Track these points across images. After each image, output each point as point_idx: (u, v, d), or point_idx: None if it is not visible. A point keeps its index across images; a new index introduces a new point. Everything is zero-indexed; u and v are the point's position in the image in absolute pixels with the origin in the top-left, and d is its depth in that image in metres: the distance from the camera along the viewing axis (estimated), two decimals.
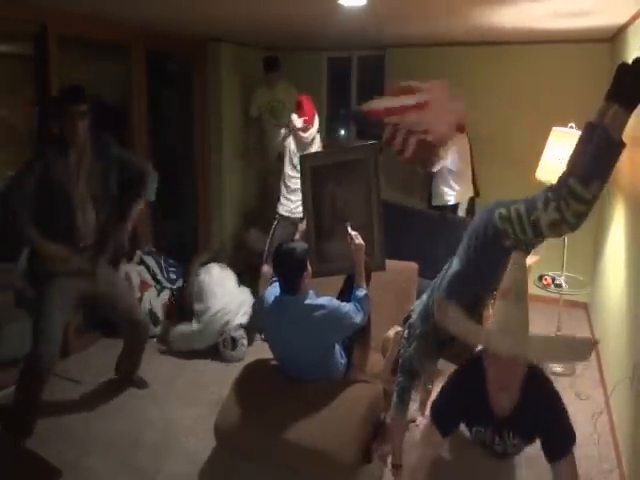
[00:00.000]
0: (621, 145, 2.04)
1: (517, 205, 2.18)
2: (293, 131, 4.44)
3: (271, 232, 4.56)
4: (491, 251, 2.26)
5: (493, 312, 1.98)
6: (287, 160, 4.51)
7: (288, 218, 4.48)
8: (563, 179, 2.13)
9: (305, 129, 4.36)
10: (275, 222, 4.57)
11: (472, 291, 2.37)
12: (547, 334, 2.02)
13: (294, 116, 4.31)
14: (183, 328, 4.02)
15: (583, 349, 1.93)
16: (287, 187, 4.51)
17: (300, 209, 3.98)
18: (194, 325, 3.99)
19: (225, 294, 4.06)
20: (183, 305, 4.28)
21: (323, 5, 3.17)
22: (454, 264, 2.41)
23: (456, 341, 2.39)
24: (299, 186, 3.14)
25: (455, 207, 4.46)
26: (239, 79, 5.23)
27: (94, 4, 3.30)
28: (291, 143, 4.50)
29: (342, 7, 3.12)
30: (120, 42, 4.18)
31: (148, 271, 4.45)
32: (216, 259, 4.52)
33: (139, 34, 4.20)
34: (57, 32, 3.49)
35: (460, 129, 4.36)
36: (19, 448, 2.86)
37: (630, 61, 2.13)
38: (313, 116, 4.45)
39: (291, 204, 4.48)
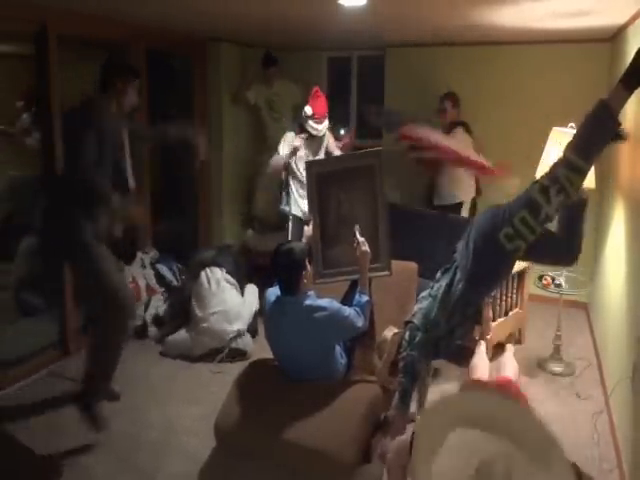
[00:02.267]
0: (618, 123, 2.14)
1: (518, 214, 2.20)
2: (306, 120, 4.16)
3: (289, 232, 4.41)
4: (493, 260, 2.33)
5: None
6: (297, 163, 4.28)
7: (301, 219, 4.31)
8: (560, 161, 2.18)
9: (315, 119, 4.11)
10: (290, 222, 4.41)
11: (476, 298, 2.42)
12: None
13: (307, 108, 4.11)
14: (177, 337, 3.95)
15: None
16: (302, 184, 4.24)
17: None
18: (189, 332, 3.92)
19: (225, 301, 3.96)
20: (177, 308, 4.17)
21: (323, 5, 3.17)
22: (456, 281, 2.45)
23: (455, 345, 2.45)
24: None
25: (459, 205, 4.46)
26: (239, 79, 5.23)
27: (94, 3, 3.30)
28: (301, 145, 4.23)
29: (342, 7, 3.12)
30: (120, 41, 4.18)
31: (163, 280, 4.43)
32: (218, 260, 4.28)
33: (139, 33, 4.20)
34: (57, 32, 3.49)
35: (467, 129, 4.37)
36: (19, 448, 2.87)
37: None
38: (325, 109, 4.20)
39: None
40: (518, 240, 2.25)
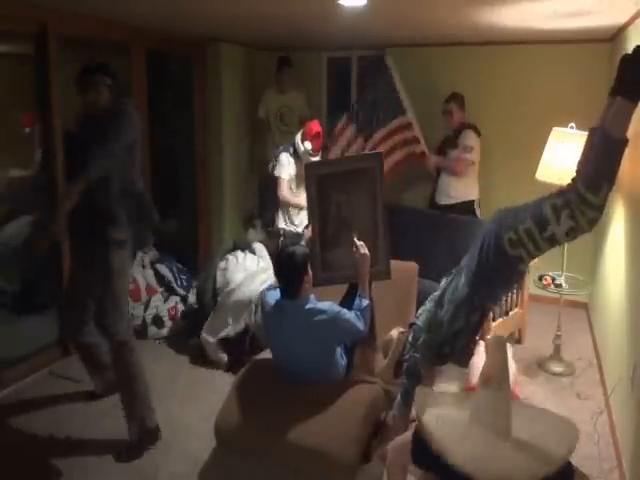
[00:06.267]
0: (624, 142, 1.99)
1: (524, 224, 2.13)
2: (304, 153, 4.17)
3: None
4: (496, 263, 2.30)
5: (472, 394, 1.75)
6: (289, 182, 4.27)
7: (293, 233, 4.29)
8: (573, 185, 2.06)
9: (312, 154, 4.16)
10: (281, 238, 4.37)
11: (478, 307, 2.41)
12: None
13: (307, 144, 4.18)
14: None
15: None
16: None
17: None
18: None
19: (246, 275, 3.99)
20: (202, 304, 4.05)
21: (323, 5, 3.17)
22: (461, 283, 2.43)
23: (459, 349, 2.44)
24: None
25: (469, 204, 4.43)
26: (239, 79, 5.23)
27: (94, 4, 3.30)
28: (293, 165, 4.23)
29: (342, 7, 3.12)
30: (120, 42, 4.18)
31: (163, 280, 4.43)
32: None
33: (139, 34, 4.20)
34: (57, 32, 3.49)
35: (475, 130, 4.36)
36: (19, 448, 2.87)
37: (631, 51, 2.10)
38: (321, 144, 4.27)
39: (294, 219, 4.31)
40: (520, 248, 2.21)
